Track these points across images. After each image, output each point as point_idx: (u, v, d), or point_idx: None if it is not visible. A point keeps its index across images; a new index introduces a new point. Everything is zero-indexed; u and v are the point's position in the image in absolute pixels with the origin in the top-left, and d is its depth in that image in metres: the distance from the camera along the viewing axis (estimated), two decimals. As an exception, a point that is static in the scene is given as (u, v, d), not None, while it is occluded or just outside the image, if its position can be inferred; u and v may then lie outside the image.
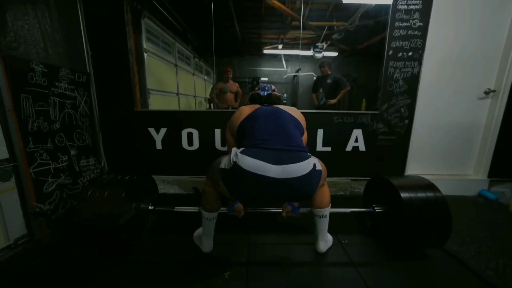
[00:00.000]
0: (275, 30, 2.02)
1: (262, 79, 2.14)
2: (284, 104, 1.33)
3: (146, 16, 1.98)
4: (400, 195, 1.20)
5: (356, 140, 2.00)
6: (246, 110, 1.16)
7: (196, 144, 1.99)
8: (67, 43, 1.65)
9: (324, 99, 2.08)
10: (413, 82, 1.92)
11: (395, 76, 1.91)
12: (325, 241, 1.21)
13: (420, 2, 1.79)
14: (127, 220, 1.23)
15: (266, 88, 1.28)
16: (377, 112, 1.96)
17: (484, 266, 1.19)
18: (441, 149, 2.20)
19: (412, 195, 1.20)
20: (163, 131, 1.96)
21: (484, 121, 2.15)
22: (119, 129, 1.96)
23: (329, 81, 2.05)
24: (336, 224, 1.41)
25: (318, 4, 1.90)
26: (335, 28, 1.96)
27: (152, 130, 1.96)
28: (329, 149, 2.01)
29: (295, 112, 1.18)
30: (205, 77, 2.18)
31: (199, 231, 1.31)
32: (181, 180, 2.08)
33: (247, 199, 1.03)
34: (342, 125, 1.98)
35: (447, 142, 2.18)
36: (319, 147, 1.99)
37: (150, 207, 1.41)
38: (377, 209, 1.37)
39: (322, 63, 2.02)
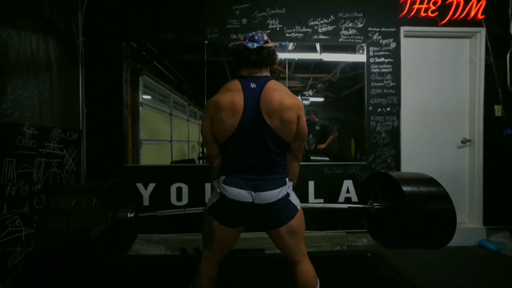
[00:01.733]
0: None
1: None
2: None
3: (144, 73, 2.13)
4: (402, 189, 1.14)
5: (348, 191, 2.00)
6: (230, 114, 0.94)
7: (185, 199, 1.92)
8: (63, 105, 1.70)
9: (314, 144, 2.15)
10: (394, 134, 2.04)
11: (377, 129, 2.03)
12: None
13: (390, 66, 2.04)
14: (100, 232, 1.09)
15: (256, 37, 0.96)
16: (365, 163, 2.02)
17: None
18: (432, 197, 2.20)
19: (414, 189, 1.15)
20: (151, 186, 1.91)
21: (468, 168, 2.23)
22: (105, 185, 1.89)
23: (317, 127, 2.16)
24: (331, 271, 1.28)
25: (303, 61, 2.13)
26: (319, 79, 2.16)
27: (140, 186, 1.90)
28: (321, 201, 1.98)
29: (286, 114, 0.94)
30: (199, 122, 2.25)
31: None
32: (167, 239, 1.93)
33: (236, 221, 1.03)
34: (332, 176, 1.99)
35: (436, 190, 2.20)
36: (311, 199, 1.96)
37: (129, 215, 1.26)
38: (376, 205, 1.31)
39: (308, 112, 2.15)
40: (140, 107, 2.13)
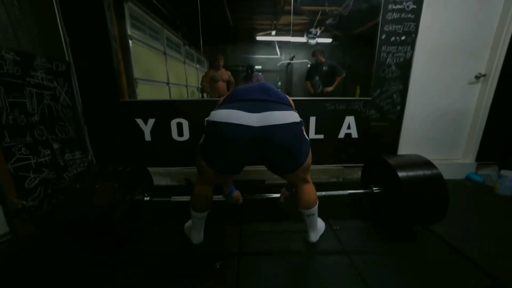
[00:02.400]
0: (268, 15, 1.93)
1: (257, 67, 2.07)
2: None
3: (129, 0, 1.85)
4: (397, 174, 1.20)
5: (349, 127, 1.99)
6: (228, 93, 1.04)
7: (186, 135, 1.93)
8: (40, 29, 1.53)
9: (321, 86, 2.03)
10: (405, 67, 1.90)
11: (387, 61, 1.88)
12: (316, 232, 1.21)
13: (414, -17, 1.73)
14: (121, 214, 1.18)
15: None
16: (370, 98, 1.94)
17: (470, 246, 1.22)
18: (432, 134, 2.22)
19: (410, 173, 1.21)
20: (151, 121, 1.89)
21: (474, 107, 2.16)
22: (105, 121, 1.87)
23: (325, 68, 2.00)
24: (327, 209, 1.42)
25: None
26: (329, 13, 1.89)
27: (140, 121, 1.89)
28: (321, 136, 1.99)
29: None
30: (197, 65, 2.09)
31: (189, 222, 1.29)
32: (172, 172, 2.04)
33: (226, 167, 0.87)
34: (334, 112, 1.95)
35: (437, 128, 2.20)
36: (312, 135, 1.97)
37: (145, 198, 1.37)
38: (375, 189, 1.39)
39: (314, 52, 1.97)
40: (130, 41, 1.92)
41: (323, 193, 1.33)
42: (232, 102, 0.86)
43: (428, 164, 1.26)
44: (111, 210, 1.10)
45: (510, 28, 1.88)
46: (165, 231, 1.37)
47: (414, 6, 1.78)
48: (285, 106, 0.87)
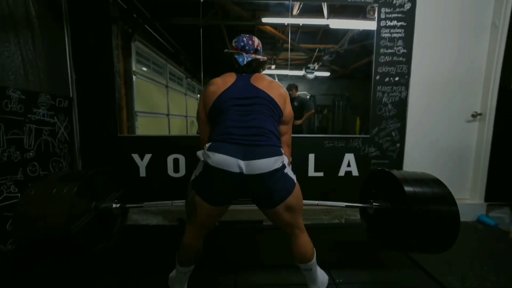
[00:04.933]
0: (268, 51, 2.06)
1: None
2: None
3: (136, 39, 1.98)
4: (404, 189, 1.09)
5: (349, 165, 1.95)
6: (220, 86, 0.99)
7: (182, 171, 1.89)
8: (49, 68, 1.60)
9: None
10: (401, 106, 1.93)
11: (383, 100, 1.92)
12: (317, 286, 1.09)
13: (403, 30, 1.86)
14: (83, 224, 1.01)
15: (247, 47, 1.04)
16: (368, 136, 1.94)
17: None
18: (435, 173, 2.14)
19: (417, 189, 1.10)
20: (147, 157, 1.87)
21: (475, 144, 2.14)
22: (101, 155, 1.85)
23: (295, 103, 2.08)
24: (330, 257, 1.29)
25: (309, 28, 1.95)
26: (326, 50, 2.00)
27: (136, 156, 1.87)
28: (321, 174, 1.94)
29: (275, 91, 1.01)
30: (198, 96, 2.16)
31: (173, 273, 1.16)
32: (165, 210, 1.95)
33: (220, 199, 0.93)
34: (333, 149, 1.93)
35: (440, 166, 2.14)
36: (311, 172, 1.93)
37: (114, 205, 1.19)
38: (376, 205, 1.26)
39: (289, 86, 2.04)
40: (134, 77, 2.01)
41: (316, 202, 1.24)
42: (223, 141, 0.91)
43: (437, 182, 1.16)
44: (70, 220, 0.93)
45: (499, 66, 1.95)
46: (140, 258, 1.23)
47: (405, 51, 1.89)
48: (271, 148, 0.91)
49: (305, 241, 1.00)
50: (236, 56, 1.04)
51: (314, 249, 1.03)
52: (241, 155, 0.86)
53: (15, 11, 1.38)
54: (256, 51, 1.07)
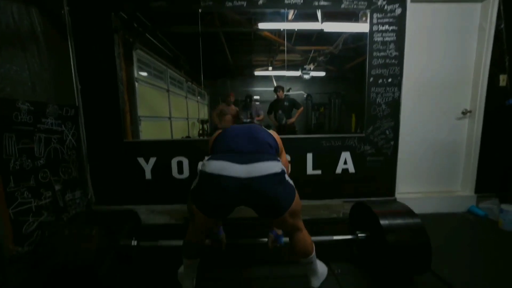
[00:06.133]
0: (265, 54, 2.14)
1: (255, 97, 2.21)
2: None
3: (138, 47, 2.04)
4: (379, 222, 1.21)
5: (345, 163, 2.04)
6: (220, 131, 1.19)
7: (186, 173, 1.97)
8: (55, 80, 1.66)
9: (285, 119, 2.18)
10: (395, 105, 2.02)
11: (377, 101, 2.01)
12: (318, 277, 1.18)
13: (394, 34, 1.94)
14: (104, 259, 1.13)
15: (252, 113, 1.30)
16: (363, 135, 2.03)
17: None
18: (429, 167, 2.26)
19: (392, 221, 1.22)
20: (152, 160, 1.95)
21: (465, 139, 2.25)
22: (108, 160, 1.92)
23: (286, 103, 2.18)
24: (329, 251, 1.38)
25: (304, 31, 2.03)
26: (321, 51, 2.08)
27: (141, 160, 1.94)
28: (319, 172, 2.03)
29: (270, 132, 1.17)
30: (198, 98, 2.23)
31: (182, 268, 1.24)
32: (171, 210, 2.02)
33: (215, 211, 0.95)
34: (330, 148, 2.02)
35: (433, 161, 2.25)
36: (310, 170, 2.01)
37: (133, 243, 1.34)
38: (360, 236, 1.36)
39: (276, 88, 2.12)
40: (136, 83, 2.08)
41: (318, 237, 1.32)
42: (224, 152, 0.98)
43: (410, 213, 1.27)
44: (97, 256, 1.06)
45: (487, 66, 2.04)
46: (155, 276, 1.32)
47: (397, 53, 1.97)
48: (268, 155, 0.98)
49: (305, 238, 1.09)
50: (242, 117, 1.33)
51: (313, 243, 1.12)
52: (239, 159, 0.91)
53: (21, 26, 1.44)
54: (257, 116, 1.33)
